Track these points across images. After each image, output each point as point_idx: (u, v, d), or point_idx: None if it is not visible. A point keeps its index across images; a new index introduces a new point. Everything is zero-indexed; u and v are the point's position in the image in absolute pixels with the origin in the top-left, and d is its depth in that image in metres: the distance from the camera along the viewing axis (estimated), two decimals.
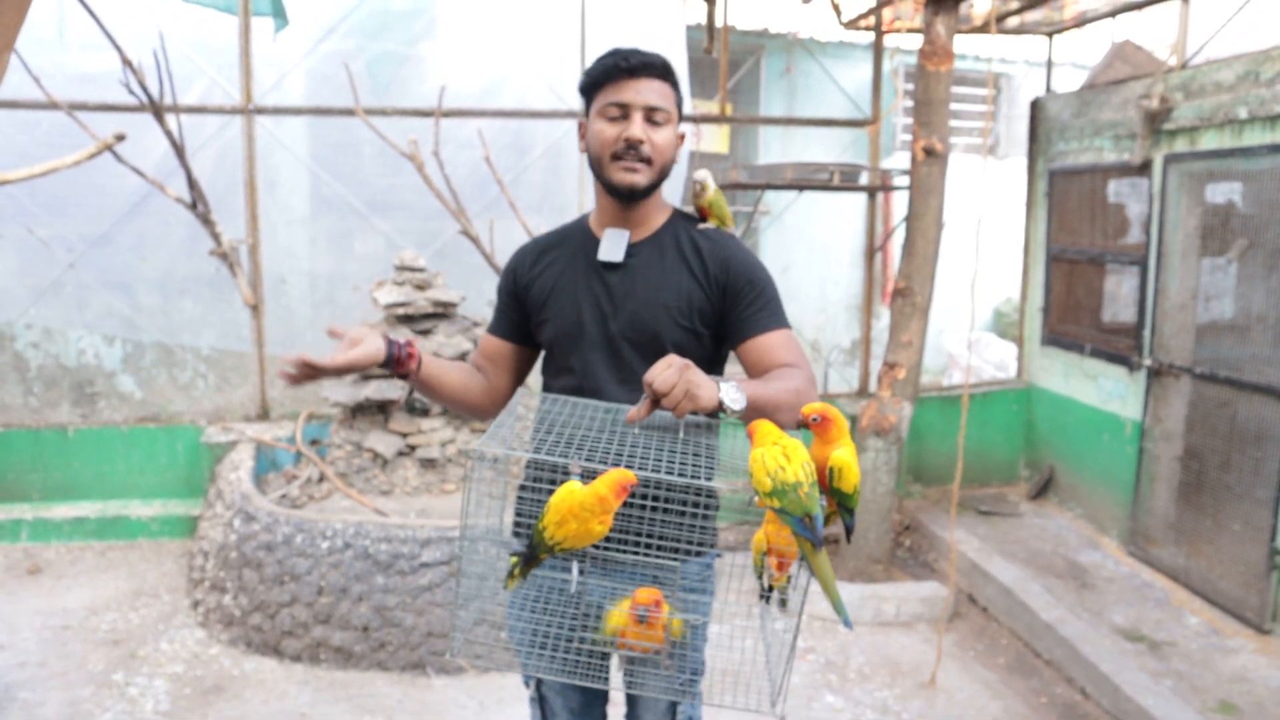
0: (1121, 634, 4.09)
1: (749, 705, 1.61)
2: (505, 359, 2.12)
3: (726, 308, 1.94)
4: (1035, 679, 4.00)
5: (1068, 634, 4.01)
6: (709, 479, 1.54)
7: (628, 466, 1.51)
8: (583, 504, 1.45)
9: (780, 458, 1.46)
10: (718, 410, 1.63)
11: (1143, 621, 4.22)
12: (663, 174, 1.94)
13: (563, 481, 1.59)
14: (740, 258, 1.96)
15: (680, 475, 1.51)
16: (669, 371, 1.57)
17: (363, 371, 1.86)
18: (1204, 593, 4.40)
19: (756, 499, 1.48)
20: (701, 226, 2.02)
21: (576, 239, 2.03)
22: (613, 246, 1.95)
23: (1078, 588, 4.57)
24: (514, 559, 1.61)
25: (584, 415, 1.76)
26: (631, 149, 1.87)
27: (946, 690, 3.87)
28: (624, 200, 1.93)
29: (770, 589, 1.64)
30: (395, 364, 1.89)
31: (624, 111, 1.88)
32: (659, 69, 1.89)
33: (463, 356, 5.03)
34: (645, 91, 1.87)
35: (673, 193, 5.74)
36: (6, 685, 3.72)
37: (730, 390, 1.63)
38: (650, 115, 1.88)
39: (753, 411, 1.66)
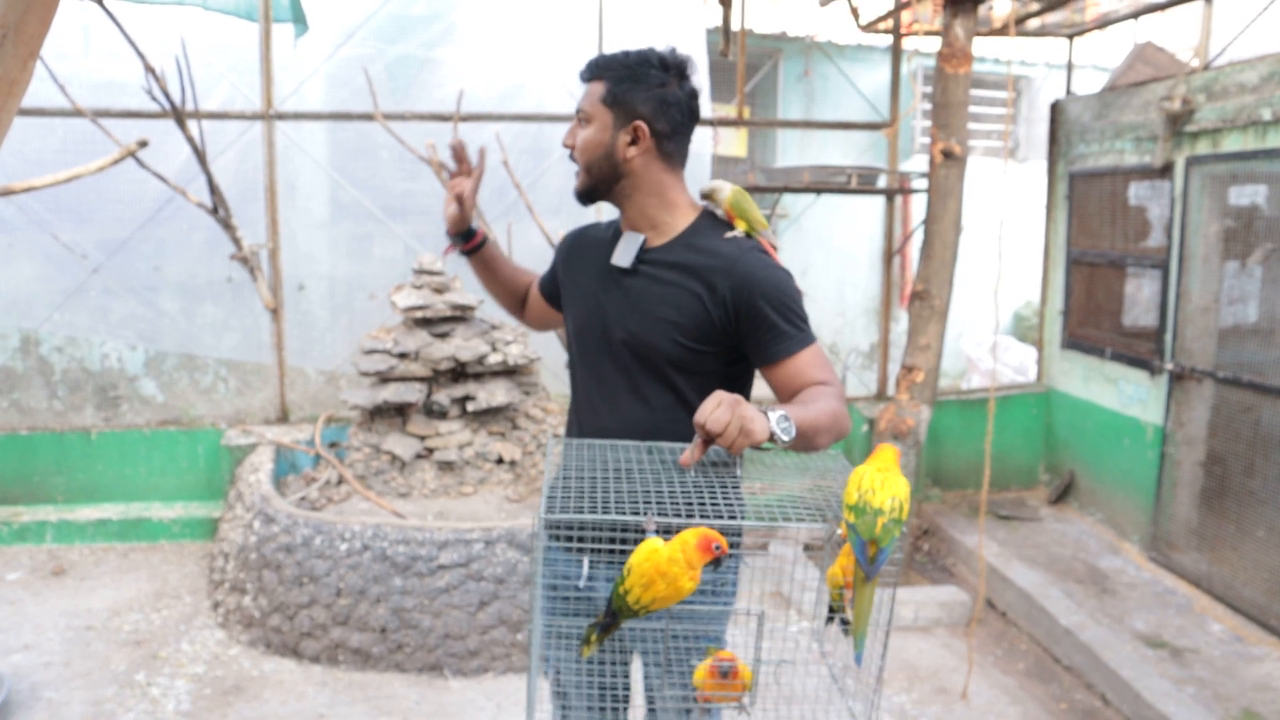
0: (1143, 640, 4.05)
1: None
2: (543, 305, 2.28)
3: (745, 331, 1.84)
4: (1055, 685, 3.97)
5: (1088, 640, 3.98)
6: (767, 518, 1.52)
7: (699, 515, 1.47)
8: (671, 560, 1.40)
9: (877, 481, 1.45)
10: (768, 442, 1.57)
11: (1164, 628, 4.18)
12: (595, 174, 1.93)
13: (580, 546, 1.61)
14: (758, 276, 1.83)
15: (733, 516, 1.48)
16: (720, 410, 1.50)
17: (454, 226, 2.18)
18: (1227, 599, 4.35)
19: (842, 526, 1.46)
20: (729, 235, 1.91)
21: (607, 238, 2.05)
22: (624, 251, 1.93)
23: (1098, 593, 4.53)
24: (590, 627, 1.56)
25: (621, 458, 1.69)
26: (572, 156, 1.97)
27: (963, 697, 3.84)
28: (582, 204, 2.00)
29: (834, 616, 1.64)
30: (470, 237, 2.20)
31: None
32: (589, 71, 1.94)
33: (481, 360, 5.04)
34: (581, 98, 1.94)
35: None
36: (32, 685, 3.76)
37: (779, 420, 1.57)
38: (578, 117, 1.94)
39: (799, 438, 1.62)
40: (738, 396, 1.55)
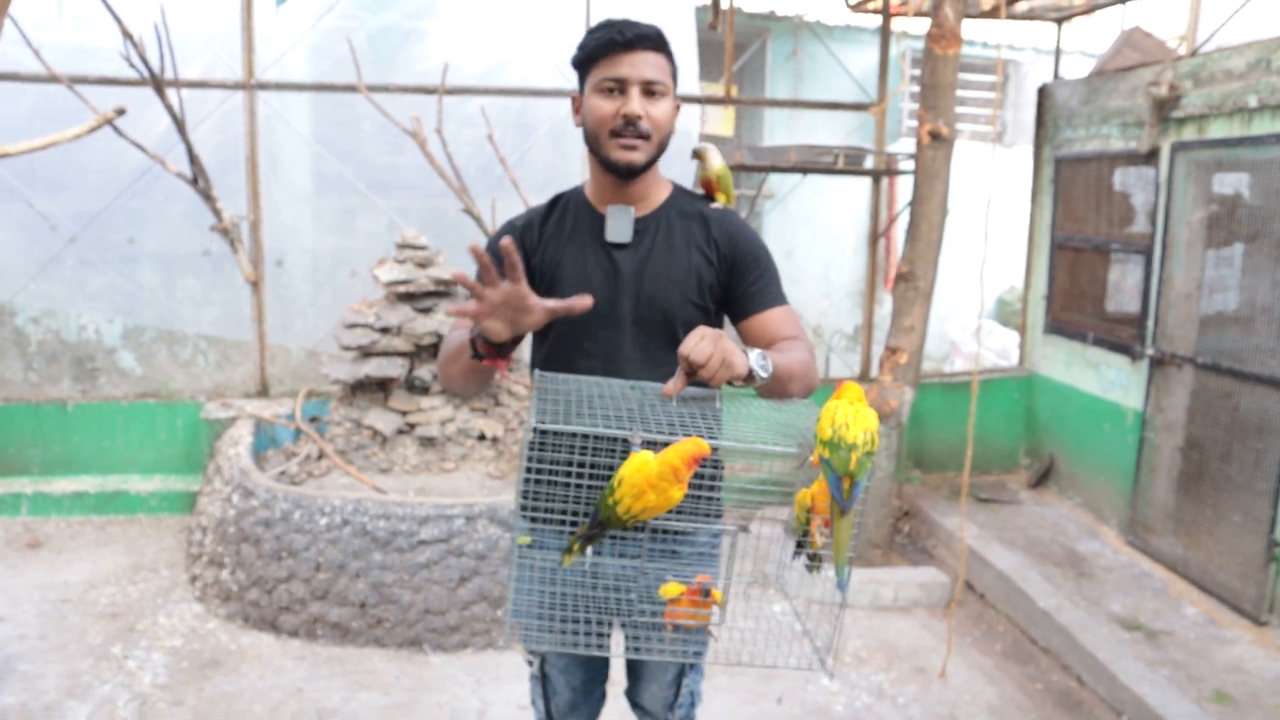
0: (1119, 623, 4.09)
1: (798, 664, 1.66)
2: None
3: (732, 283, 1.94)
4: (1032, 666, 4.00)
5: (1065, 622, 4.01)
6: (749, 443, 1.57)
7: (683, 433, 1.53)
8: (660, 474, 1.47)
9: (850, 415, 1.51)
10: (747, 378, 1.64)
11: (1140, 611, 4.22)
12: (661, 148, 1.91)
13: (567, 457, 1.61)
14: (745, 234, 1.96)
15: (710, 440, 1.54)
16: (704, 343, 1.57)
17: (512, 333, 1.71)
18: (1202, 583, 4.40)
19: (813, 456, 1.52)
20: (714, 206, 2.01)
21: (577, 213, 1.98)
22: (620, 226, 1.92)
23: (1076, 576, 4.57)
24: (572, 538, 1.61)
25: (603, 390, 1.75)
26: (630, 125, 1.83)
27: (941, 677, 3.87)
28: (623, 177, 1.90)
29: (801, 547, 1.68)
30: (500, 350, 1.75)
31: (620, 86, 1.83)
32: (654, 40, 1.85)
33: None
34: (641, 65, 1.83)
35: (683, 174, 5.69)
36: (6, 657, 3.73)
37: (758, 359, 1.66)
38: (648, 89, 1.84)
39: (773, 380, 1.69)
40: (720, 331, 1.62)
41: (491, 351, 1.76)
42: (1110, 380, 5.24)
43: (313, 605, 3.92)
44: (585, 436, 1.59)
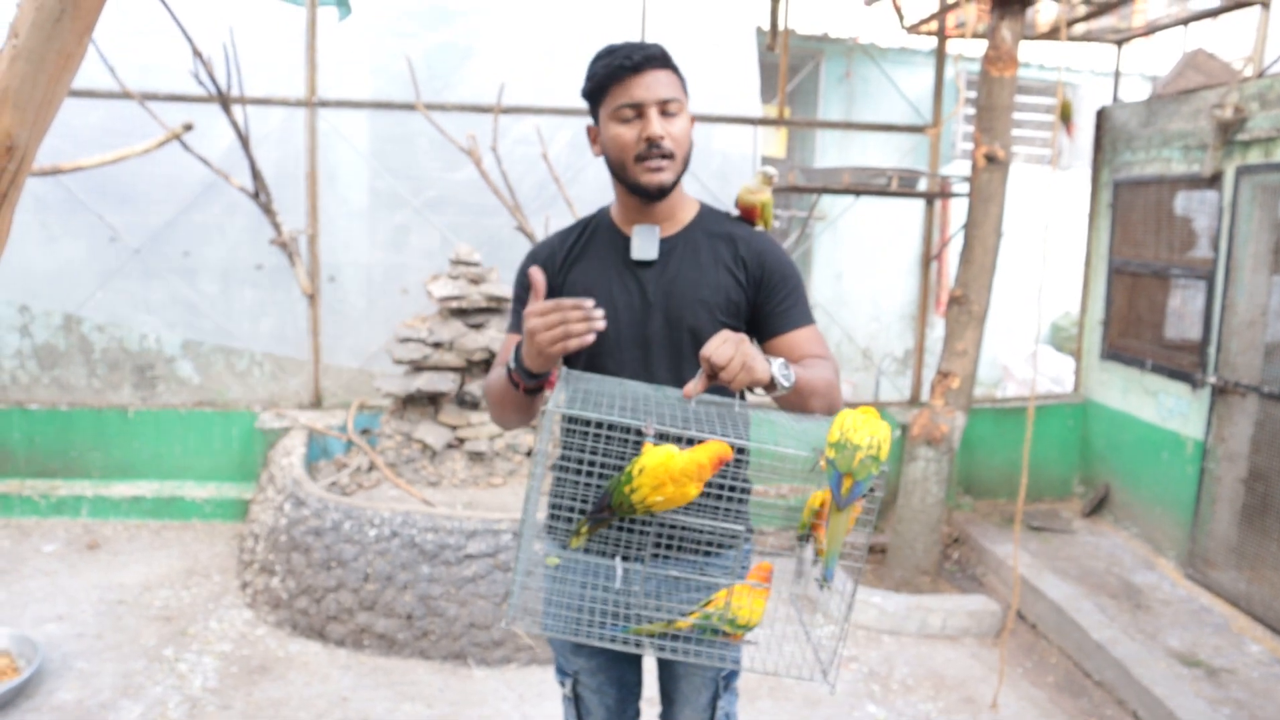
0: (1177, 658, 3.97)
1: (799, 674, 1.66)
2: None
3: (761, 299, 1.93)
4: (1085, 699, 3.90)
5: (1120, 655, 3.91)
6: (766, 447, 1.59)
7: (702, 430, 1.56)
8: (684, 470, 1.49)
9: (859, 422, 1.55)
10: (768, 386, 1.65)
11: (1200, 646, 4.10)
12: (685, 164, 1.90)
13: (580, 443, 1.65)
14: (774, 252, 1.95)
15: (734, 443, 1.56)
16: (725, 345, 1.57)
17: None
18: (1266, 620, 4.25)
19: (822, 460, 1.55)
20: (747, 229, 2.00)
21: (603, 235, 1.97)
22: (646, 244, 1.91)
23: (1131, 609, 4.45)
24: (581, 520, 1.65)
25: (625, 389, 1.77)
26: (654, 147, 1.83)
27: (993, 707, 3.79)
28: (655, 199, 1.89)
29: (805, 540, 1.71)
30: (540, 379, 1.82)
31: (638, 111, 1.83)
32: (661, 59, 1.84)
33: None
34: (654, 85, 1.82)
35: (722, 189, 5.72)
36: (64, 655, 3.82)
37: (781, 367, 1.66)
38: (664, 108, 1.83)
39: (795, 393, 1.70)
40: (742, 335, 1.63)
41: (531, 379, 1.79)
42: (1169, 408, 5.12)
43: (360, 615, 3.96)
44: (599, 426, 1.63)
